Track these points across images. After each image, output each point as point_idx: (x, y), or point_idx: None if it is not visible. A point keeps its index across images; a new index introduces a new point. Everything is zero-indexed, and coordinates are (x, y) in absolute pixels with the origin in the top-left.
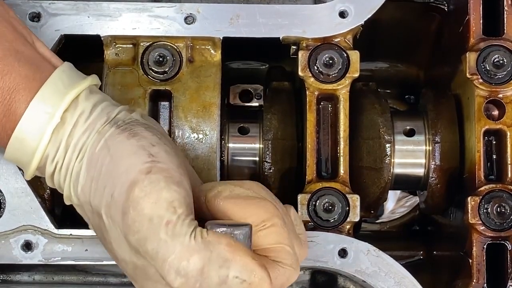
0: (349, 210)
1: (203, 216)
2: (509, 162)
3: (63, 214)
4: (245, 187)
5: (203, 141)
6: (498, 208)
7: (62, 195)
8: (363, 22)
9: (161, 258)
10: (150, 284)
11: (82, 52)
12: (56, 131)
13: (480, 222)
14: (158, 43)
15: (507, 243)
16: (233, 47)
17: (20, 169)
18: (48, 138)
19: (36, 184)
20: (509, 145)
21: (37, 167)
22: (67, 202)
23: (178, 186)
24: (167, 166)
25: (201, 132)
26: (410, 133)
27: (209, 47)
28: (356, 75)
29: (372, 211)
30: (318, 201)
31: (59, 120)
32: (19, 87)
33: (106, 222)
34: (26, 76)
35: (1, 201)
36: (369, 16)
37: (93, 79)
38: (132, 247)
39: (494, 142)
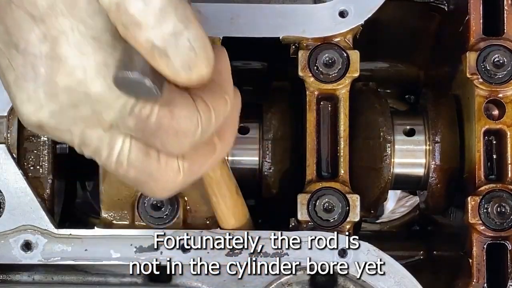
0: (349, 210)
1: None
2: (509, 162)
3: (63, 214)
4: None
5: None
6: (498, 208)
7: (62, 196)
8: (363, 22)
9: None
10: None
11: None
12: None
13: (480, 222)
14: None
15: (507, 243)
16: (233, 47)
17: (19, 168)
18: None
19: (36, 184)
20: (509, 144)
21: None
22: None
23: None
24: None
25: None
26: (410, 133)
27: None
28: (356, 75)
29: (372, 211)
30: (318, 201)
31: None
32: None
33: None
34: None
35: (1, 201)
36: (369, 15)
37: None
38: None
39: (494, 142)
